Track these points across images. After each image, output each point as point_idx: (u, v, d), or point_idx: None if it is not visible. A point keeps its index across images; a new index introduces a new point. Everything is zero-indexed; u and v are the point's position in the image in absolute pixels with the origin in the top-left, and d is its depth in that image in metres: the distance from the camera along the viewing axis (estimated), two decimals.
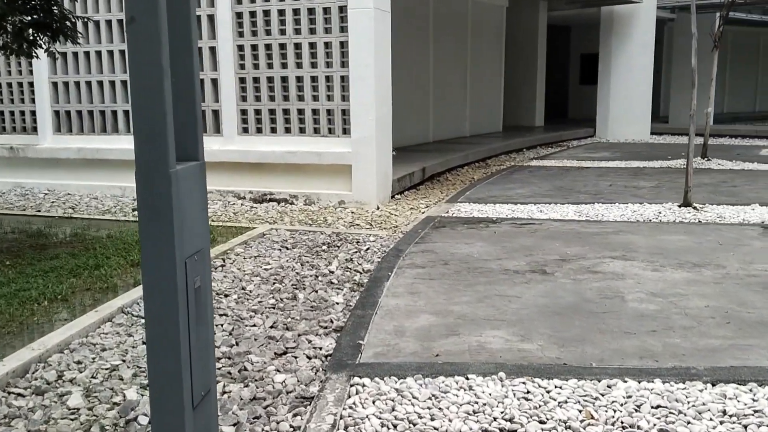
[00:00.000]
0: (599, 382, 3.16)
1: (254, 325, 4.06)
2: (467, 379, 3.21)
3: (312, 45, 7.90)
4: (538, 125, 17.93)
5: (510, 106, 17.45)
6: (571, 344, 3.61)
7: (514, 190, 8.81)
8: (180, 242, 1.98)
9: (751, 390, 3.09)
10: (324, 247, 5.80)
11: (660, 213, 7.01)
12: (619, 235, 6.09)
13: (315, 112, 8.06)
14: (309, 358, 3.58)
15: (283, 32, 7.98)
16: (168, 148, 1.89)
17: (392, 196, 8.34)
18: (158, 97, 1.86)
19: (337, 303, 4.42)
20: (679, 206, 7.22)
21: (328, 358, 3.54)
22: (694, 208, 7.13)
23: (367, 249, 5.70)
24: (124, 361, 3.57)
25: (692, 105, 7.31)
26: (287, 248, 5.77)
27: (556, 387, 3.12)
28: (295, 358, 3.58)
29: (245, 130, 8.33)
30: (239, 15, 8.13)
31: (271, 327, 4.04)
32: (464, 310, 4.14)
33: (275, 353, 3.65)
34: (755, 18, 20.63)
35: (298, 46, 7.96)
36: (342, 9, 7.70)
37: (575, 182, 9.41)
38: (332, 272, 5.05)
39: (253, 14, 8.07)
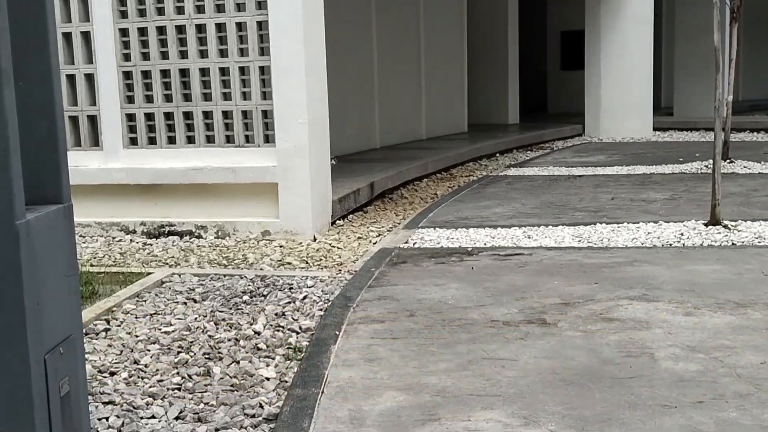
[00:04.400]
0: None
1: (153, 417, 3.74)
2: None
3: (220, 27, 7.64)
4: (513, 123, 17.99)
5: (476, 101, 17.45)
6: (593, 427, 3.38)
7: (492, 209, 8.70)
8: (36, 329, 1.66)
9: None
10: (246, 298, 5.59)
11: (682, 235, 6.90)
12: (634, 266, 5.99)
13: (227, 114, 7.79)
14: None
15: (180, 10, 7.70)
16: (12, 189, 1.58)
17: (333, 223, 8.15)
18: None
19: (268, 379, 4.14)
20: (706, 225, 7.13)
21: None
22: (725, 226, 7.04)
23: (305, 298, 5.52)
24: None
25: (717, 94, 7.26)
26: (195, 301, 5.56)
27: None
28: None
29: (133, 142, 8.02)
30: None
31: (177, 419, 3.72)
32: (443, 382, 3.92)
33: None
34: None
35: (201, 28, 7.69)
36: None
37: (568, 196, 9.38)
38: (258, 333, 4.84)
39: None
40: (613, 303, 5.04)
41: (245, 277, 6.16)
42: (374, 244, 7.26)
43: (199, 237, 7.81)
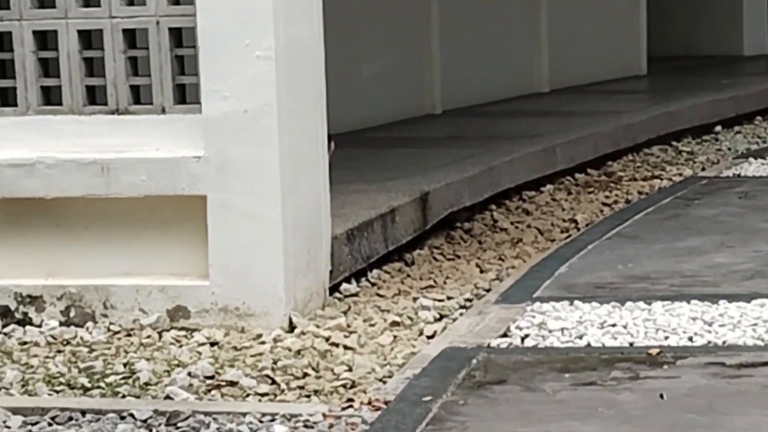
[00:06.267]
0: None
1: None
2: None
3: None
4: (753, 53, 13.23)
5: (669, 11, 12.78)
6: None
7: (706, 254, 6.34)
8: None
9: None
10: None
11: None
12: None
13: (90, 38, 5.47)
14: None
15: None
16: None
17: (334, 288, 5.88)
18: None
19: None
20: None
21: None
22: None
23: None
24: None
25: None
26: None
27: None
28: None
29: None
30: None
31: None
32: None
33: None
34: None
35: None
36: None
37: None
38: None
39: None
40: None
41: (131, 416, 4.39)
42: (429, 337, 5.22)
43: (25, 322, 5.85)
